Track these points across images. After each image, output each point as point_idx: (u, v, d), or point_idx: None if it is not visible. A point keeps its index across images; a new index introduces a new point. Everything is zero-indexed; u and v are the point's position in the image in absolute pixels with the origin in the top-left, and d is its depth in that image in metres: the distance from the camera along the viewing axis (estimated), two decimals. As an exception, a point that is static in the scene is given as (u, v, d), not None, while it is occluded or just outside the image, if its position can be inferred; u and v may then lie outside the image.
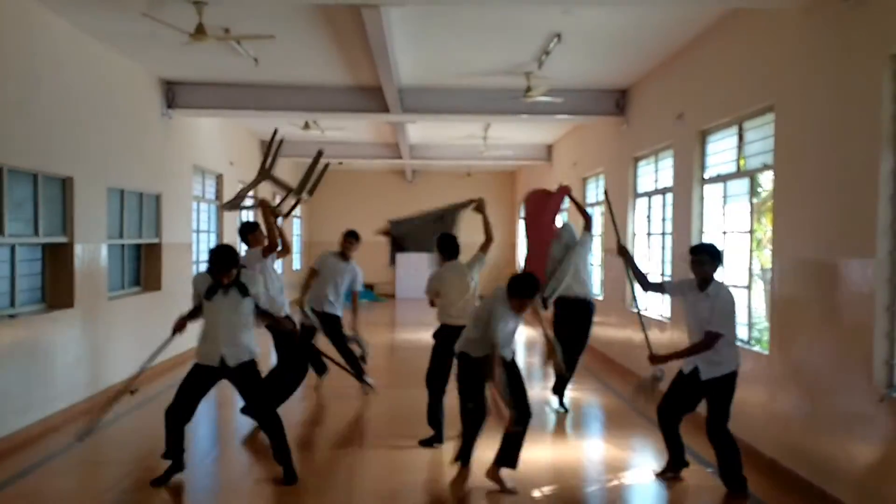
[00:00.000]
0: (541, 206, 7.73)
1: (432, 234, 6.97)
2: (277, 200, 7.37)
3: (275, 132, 7.15)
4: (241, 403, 7.08)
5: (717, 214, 7.43)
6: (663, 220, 9.08)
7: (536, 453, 6.17)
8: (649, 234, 9.74)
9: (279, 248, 6.64)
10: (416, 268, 20.70)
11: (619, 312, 10.27)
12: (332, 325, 8.00)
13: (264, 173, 7.00)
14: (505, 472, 5.46)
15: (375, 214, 22.09)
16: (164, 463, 5.50)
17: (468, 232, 9.03)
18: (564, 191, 7.77)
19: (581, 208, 8.26)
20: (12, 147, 6.53)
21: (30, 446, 6.37)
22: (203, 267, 5.39)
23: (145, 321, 8.80)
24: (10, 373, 6.39)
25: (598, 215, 12.30)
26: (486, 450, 5.71)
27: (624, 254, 6.17)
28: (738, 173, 6.94)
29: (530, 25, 7.44)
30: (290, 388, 6.93)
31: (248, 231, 7.10)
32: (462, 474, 5.68)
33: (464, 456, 5.77)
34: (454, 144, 16.44)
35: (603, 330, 10.55)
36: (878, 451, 4.65)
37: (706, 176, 7.69)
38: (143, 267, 9.88)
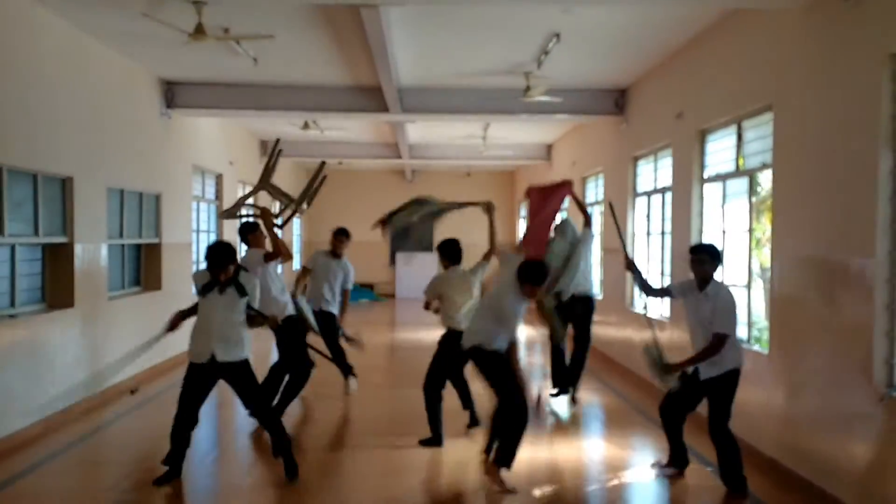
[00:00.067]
0: (543, 199, 7.70)
1: (429, 228, 6.99)
2: (275, 207, 7.37)
3: (276, 142, 7.17)
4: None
5: (716, 214, 7.43)
6: (663, 219, 9.08)
7: (536, 452, 6.18)
8: (649, 234, 9.74)
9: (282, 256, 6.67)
10: (417, 268, 20.77)
11: (619, 312, 10.28)
12: (328, 322, 8.02)
13: (264, 183, 7.01)
14: (505, 472, 5.46)
15: (375, 214, 22.03)
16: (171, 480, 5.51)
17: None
18: (567, 186, 7.73)
19: (581, 205, 8.28)
20: (12, 147, 6.53)
21: (30, 446, 6.37)
22: (203, 265, 5.42)
23: (145, 321, 8.78)
24: (10, 373, 6.38)
25: (597, 214, 12.30)
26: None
27: (631, 267, 6.18)
28: (738, 172, 6.94)
29: (529, 25, 7.44)
30: (295, 388, 6.90)
31: (247, 231, 7.10)
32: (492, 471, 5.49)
33: (507, 458, 5.43)
34: (454, 144, 16.45)
35: (603, 329, 10.55)
36: (879, 451, 4.65)
37: (705, 175, 7.69)
38: (143, 267, 9.88)
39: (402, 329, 15.18)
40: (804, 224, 5.54)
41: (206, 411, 7.39)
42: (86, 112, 7.86)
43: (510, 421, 5.43)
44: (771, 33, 6.16)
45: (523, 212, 18.56)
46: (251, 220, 7.22)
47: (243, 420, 6.91)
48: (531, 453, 6.14)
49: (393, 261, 21.65)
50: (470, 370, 6.51)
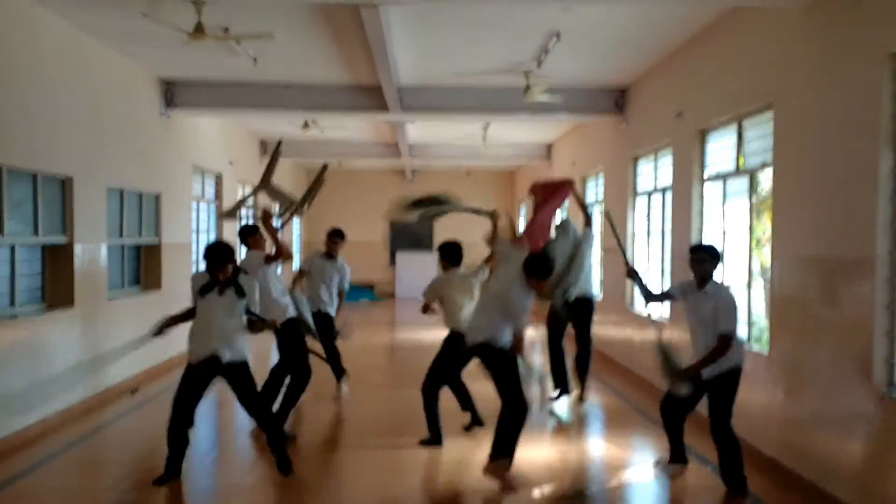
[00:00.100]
0: (547, 196, 7.68)
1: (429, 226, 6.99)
2: (274, 207, 7.36)
3: (278, 144, 7.16)
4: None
5: (716, 213, 7.43)
6: (663, 218, 9.08)
7: (537, 452, 6.17)
8: (649, 233, 9.74)
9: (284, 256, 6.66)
10: (417, 268, 20.76)
11: (619, 312, 10.28)
12: (325, 323, 8.02)
13: (264, 183, 7.00)
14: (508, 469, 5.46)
15: (375, 214, 22.15)
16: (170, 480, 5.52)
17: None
18: (569, 185, 7.72)
19: (582, 205, 8.28)
20: (12, 147, 6.53)
21: (30, 446, 6.37)
22: (203, 266, 5.43)
23: (145, 321, 8.66)
24: (10, 373, 6.38)
25: (597, 213, 12.29)
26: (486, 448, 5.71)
27: (632, 275, 6.17)
28: (738, 172, 6.94)
29: (529, 24, 7.43)
30: (297, 391, 6.86)
31: (248, 234, 7.08)
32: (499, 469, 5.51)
33: (508, 453, 5.51)
34: (453, 144, 16.44)
35: (603, 329, 10.55)
36: (879, 450, 4.65)
37: (706, 174, 7.69)
38: (142, 267, 9.88)
39: (402, 329, 15.18)
40: (804, 223, 5.54)
41: (206, 411, 7.42)
42: (85, 112, 7.86)
43: (510, 416, 5.44)
44: (771, 32, 6.16)
45: (523, 211, 18.56)
46: (251, 222, 7.23)
47: (243, 419, 6.90)
48: (531, 453, 6.14)
49: (393, 261, 21.65)
50: (469, 371, 6.54)
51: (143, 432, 7.00)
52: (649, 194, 9.69)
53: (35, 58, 6.88)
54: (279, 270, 7.01)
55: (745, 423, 5.80)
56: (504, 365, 5.53)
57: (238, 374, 5.38)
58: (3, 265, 6.76)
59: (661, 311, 8.67)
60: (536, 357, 11.10)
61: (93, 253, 8.00)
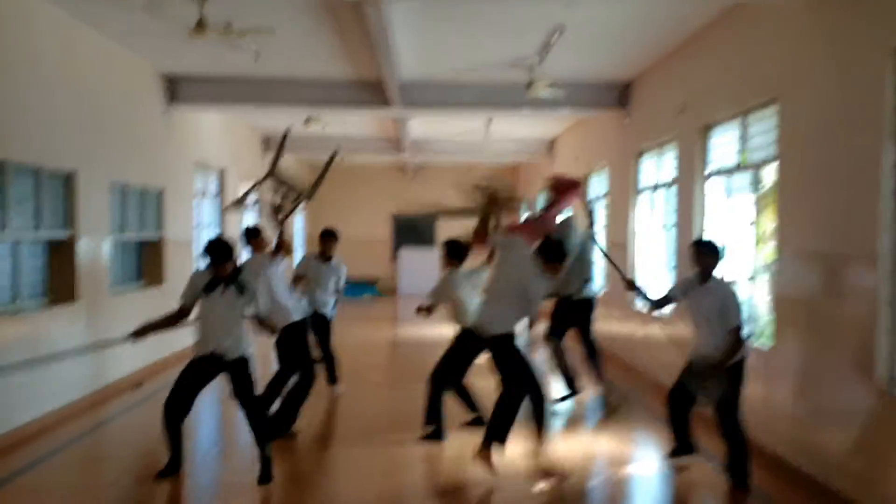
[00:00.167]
0: (562, 192, 7.65)
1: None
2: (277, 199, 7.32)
3: (286, 132, 7.12)
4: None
5: (720, 208, 7.41)
6: (666, 213, 9.06)
7: (539, 447, 6.15)
8: (652, 229, 9.72)
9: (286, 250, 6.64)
10: (419, 263, 20.77)
11: (621, 307, 10.26)
12: (323, 325, 8.00)
13: (271, 172, 6.97)
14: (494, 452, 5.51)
15: (377, 209, 22.22)
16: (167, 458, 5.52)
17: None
18: (578, 187, 7.70)
19: (586, 206, 8.26)
20: (14, 142, 6.53)
21: (32, 442, 6.38)
22: (203, 265, 5.43)
23: (148, 316, 8.74)
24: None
25: (600, 208, 12.26)
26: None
27: (632, 288, 6.17)
28: (742, 167, 6.92)
29: (532, 18, 7.41)
30: (303, 393, 6.82)
31: (251, 236, 7.06)
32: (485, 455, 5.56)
33: (500, 438, 5.60)
34: (456, 139, 16.42)
35: (606, 325, 10.54)
36: (882, 446, 4.64)
37: (709, 170, 7.67)
38: (145, 262, 9.88)
39: (404, 325, 15.18)
40: (808, 218, 5.52)
41: (209, 406, 7.43)
42: (88, 107, 7.85)
43: (507, 398, 5.51)
44: (775, 27, 6.13)
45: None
46: (257, 213, 7.20)
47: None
48: (533, 447, 6.14)
49: (395, 256, 21.65)
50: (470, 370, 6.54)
51: (145, 428, 7.00)
52: (653, 189, 9.67)
53: (37, 53, 6.88)
54: (282, 268, 6.97)
55: (749, 418, 5.77)
56: (517, 358, 5.58)
57: (237, 371, 5.36)
58: (5, 260, 6.77)
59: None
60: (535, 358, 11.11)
61: (95, 248, 8.00)
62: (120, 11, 7.18)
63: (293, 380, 6.83)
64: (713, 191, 7.60)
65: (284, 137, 7.03)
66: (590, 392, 8.02)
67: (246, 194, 7.59)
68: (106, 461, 6.25)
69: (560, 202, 7.19)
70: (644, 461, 6.12)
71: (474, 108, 10.67)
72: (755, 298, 6.55)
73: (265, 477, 5.36)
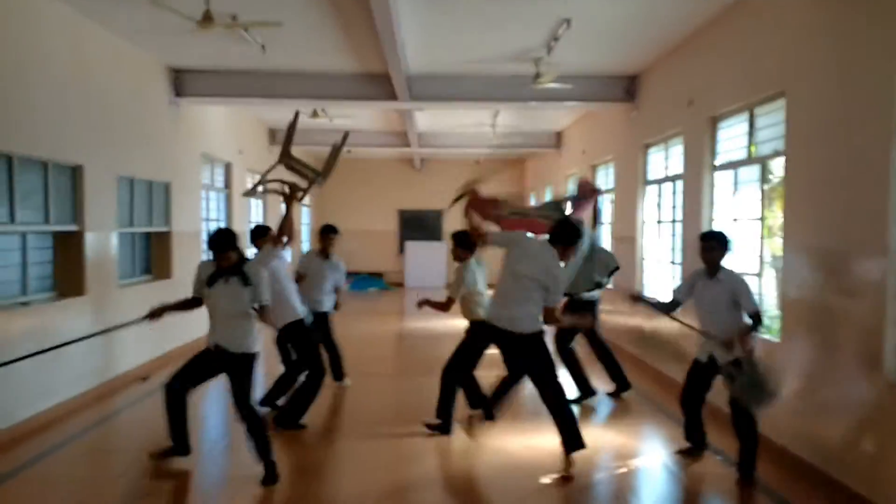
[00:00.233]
0: (585, 197, 7.69)
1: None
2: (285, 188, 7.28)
3: (296, 114, 7.08)
4: (257, 394, 7.12)
5: (727, 201, 7.38)
6: (673, 207, 9.04)
7: (545, 440, 6.17)
8: (659, 222, 9.69)
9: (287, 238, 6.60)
10: (426, 257, 20.79)
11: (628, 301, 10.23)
12: (322, 322, 7.97)
13: (284, 156, 6.93)
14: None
15: (384, 203, 22.22)
16: (148, 454, 5.59)
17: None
18: (598, 194, 7.76)
19: (595, 211, 8.23)
20: (22, 136, 6.55)
21: (41, 434, 6.42)
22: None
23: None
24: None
25: (607, 202, 12.24)
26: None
27: (638, 301, 6.14)
28: (749, 160, 6.88)
29: (539, 11, 7.38)
30: (312, 391, 6.82)
31: (258, 235, 7.04)
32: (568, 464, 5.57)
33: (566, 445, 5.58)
34: (463, 132, 16.39)
35: (612, 318, 10.53)
36: (888, 439, 4.63)
37: (716, 163, 7.64)
38: (153, 255, 9.92)
39: (411, 318, 15.19)
40: (816, 212, 5.50)
41: (217, 399, 7.45)
42: (95, 101, 7.87)
43: (557, 402, 5.52)
44: (782, 19, 6.09)
45: (533, 201, 18.49)
46: (262, 224, 7.17)
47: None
48: (540, 440, 6.15)
49: (402, 250, 21.66)
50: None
51: (153, 420, 7.01)
52: (660, 183, 9.64)
53: (44, 48, 6.89)
54: (286, 263, 6.95)
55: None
56: (545, 352, 5.55)
57: (236, 365, 5.30)
58: (14, 253, 6.80)
59: (659, 294, 8.63)
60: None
61: (103, 241, 8.03)
62: (126, 5, 7.18)
63: (300, 377, 6.86)
64: (720, 184, 7.57)
65: (295, 120, 7.00)
66: (602, 389, 8.02)
67: (260, 181, 7.55)
68: (113, 454, 6.28)
69: (582, 205, 7.26)
70: (651, 455, 6.11)
71: (481, 100, 10.65)
72: (762, 292, 6.53)
73: (269, 478, 5.31)
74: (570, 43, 8.29)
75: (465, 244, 6.62)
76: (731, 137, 7.33)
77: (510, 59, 9.18)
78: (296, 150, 6.71)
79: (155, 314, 5.37)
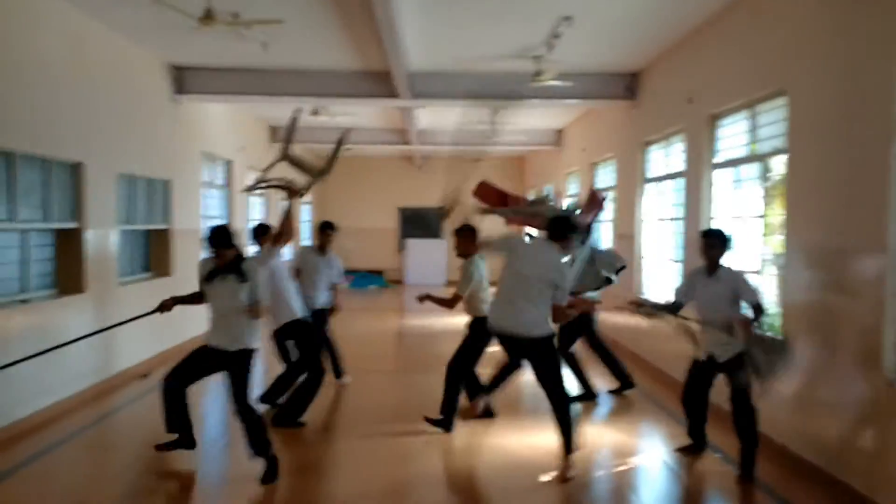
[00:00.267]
0: (594, 206, 7.75)
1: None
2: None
3: (297, 112, 7.06)
4: (259, 390, 7.13)
5: (728, 199, 7.38)
6: (674, 205, 9.03)
7: (544, 438, 6.17)
8: (660, 220, 9.69)
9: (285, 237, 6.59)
10: (426, 255, 20.78)
11: (628, 298, 10.23)
12: (318, 319, 7.93)
13: (284, 154, 6.92)
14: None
15: (384, 200, 22.21)
16: (176, 449, 5.57)
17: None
18: (600, 203, 7.86)
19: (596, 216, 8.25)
20: (23, 133, 6.55)
21: (41, 431, 6.43)
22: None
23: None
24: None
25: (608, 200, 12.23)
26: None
27: (641, 306, 6.11)
28: (750, 158, 6.88)
29: (540, 8, 7.37)
30: (313, 388, 6.82)
31: (260, 233, 7.04)
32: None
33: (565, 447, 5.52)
34: (463, 130, 16.37)
35: (611, 316, 10.53)
36: (887, 437, 4.63)
37: (717, 160, 7.63)
38: (153, 253, 9.92)
39: (411, 316, 15.19)
40: (816, 210, 5.49)
41: (216, 396, 7.45)
42: (95, 98, 7.87)
43: (560, 409, 5.48)
44: (784, 16, 6.08)
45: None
46: (264, 223, 7.16)
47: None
48: (540, 439, 6.15)
49: (402, 247, 21.66)
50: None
51: (153, 417, 7.01)
52: (660, 180, 9.64)
53: (44, 45, 6.89)
54: (286, 262, 6.94)
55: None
56: (554, 355, 5.55)
57: (234, 361, 5.29)
58: (14, 250, 6.81)
59: (657, 292, 8.62)
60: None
61: (103, 239, 8.03)
62: (127, 3, 7.18)
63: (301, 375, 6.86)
64: (721, 182, 7.57)
65: (295, 119, 6.99)
66: (604, 387, 8.02)
67: (261, 179, 7.53)
68: (115, 450, 6.29)
69: (591, 212, 7.31)
70: (651, 452, 6.11)
71: (482, 98, 10.62)
72: (762, 290, 6.52)
73: (269, 476, 5.30)
74: (571, 40, 8.28)
75: (469, 237, 6.60)
76: (732, 135, 7.33)
77: (511, 56, 9.18)
78: (297, 148, 6.70)
79: (165, 306, 5.40)
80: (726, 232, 5.56)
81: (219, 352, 5.29)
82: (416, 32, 8.20)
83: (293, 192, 6.36)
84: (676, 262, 8.80)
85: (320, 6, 7.36)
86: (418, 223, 22.08)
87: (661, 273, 9.55)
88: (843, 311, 5.12)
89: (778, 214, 6.33)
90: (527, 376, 8.32)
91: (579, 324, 7.67)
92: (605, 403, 7.69)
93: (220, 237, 5.21)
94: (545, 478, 5.42)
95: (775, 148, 6.34)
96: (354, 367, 8.68)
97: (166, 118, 9.99)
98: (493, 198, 7.49)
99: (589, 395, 7.68)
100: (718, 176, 7.61)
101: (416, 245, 21.09)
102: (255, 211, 14.89)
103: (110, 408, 7.39)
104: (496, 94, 10.43)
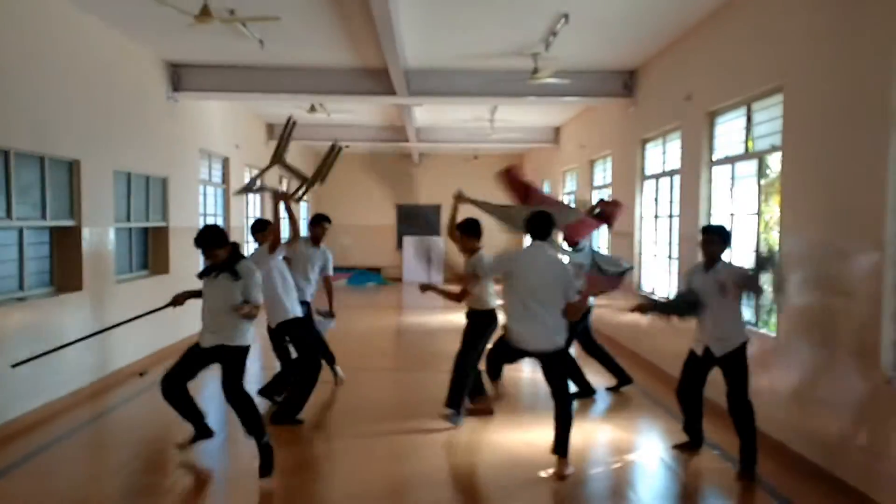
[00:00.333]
0: (608, 216, 7.73)
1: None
2: (284, 185, 7.32)
3: (289, 119, 7.08)
4: (256, 386, 7.13)
5: (724, 196, 7.38)
6: (671, 202, 9.04)
7: (543, 435, 6.18)
8: (657, 217, 9.70)
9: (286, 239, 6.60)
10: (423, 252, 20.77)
11: (626, 295, 10.25)
12: (308, 310, 7.88)
13: (276, 159, 6.94)
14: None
15: (382, 197, 22.20)
16: (176, 446, 5.62)
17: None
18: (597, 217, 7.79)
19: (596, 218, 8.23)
20: (19, 130, 6.54)
21: (39, 429, 6.42)
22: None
23: (153, 305, 8.78)
24: (20, 355, 6.40)
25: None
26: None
27: (646, 308, 6.02)
28: (747, 155, 6.89)
29: (537, 5, 7.37)
30: (309, 384, 6.81)
31: (258, 229, 7.02)
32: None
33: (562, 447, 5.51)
34: (461, 127, 16.38)
35: (610, 313, 10.55)
36: (885, 433, 4.64)
37: (714, 157, 7.64)
38: (150, 250, 9.91)
39: (409, 313, 15.20)
40: (813, 206, 5.50)
41: (215, 393, 7.44)
42: (92, 95, 7.85)
43: (562, 410, 5.48)
44: (780, 14, 6.08)
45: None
46: (262, 207, 7.16)
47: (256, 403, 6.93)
48: (538, 435, 6.16)
49: (400, 244, 21.66)
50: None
51: (151, 415, 7.03)
52: (657, 178, 9.64)
53: (41, 41, 6.87)
54: (282, 263, 6.92)
55: (754, 406, 5.79)
56: (566, 364, 5.57)
57: (228, 357, 5.29)
58: (11, 248, 6.80)
59: (658, 286, 8.64)
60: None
61: (100, 236, 8.02)
62: (124, 0, 7.18)
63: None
64: (718, 179, 7.57)
65: (288, 127, 7.00)
66: (601, 385, 8.03)
67: (253, 181, 7.55)
68: (113, 448, 6.28)
69: (602, 223, 7.43)
70: (649, 449, 6.12)
71: (479, 95, 10.63)
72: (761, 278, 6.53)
73: (266, 468, 5.27)
74: (569, 38, 8.28)
75: (474, 232, 6.51)
76: (729, 132, 7.33)
77: (508, 54, 9.17)
78: (294, 146, 6.70)
79: (178, 301, 5.51)
80: (727, 229, 5.58)
81: (211, 349, 5.30)
82: (413, 30, 8.19)
83: (286, 197, 6.39)
84: (673, 258, 8.81)
85: (317, 3, 7.35)
86: (416, 220, 22.08)
87: (658, 270, 9.56)
88: (840, 307, 5.13)
89: (774, 211, 6.34)
90: (526, 375, 8.39)
91: (574, 326, 7.67)
92: (602, 400, 7.70)
93: (207, 238, 5.23)
94: (543, 475, 5.42)
95: (772, 145, 6.35)
96: (352, 364, 8.67)
97: (163, 115, 9.97)
98: (517, 186, 7.40)
99: (586, 392, 7.68)
100: (715, 173, 7.62)
101: (414, 242, 21.10)
102: (253, 208, 14.86)
103: (107, 406, 7.38)
104: (494, 91, 10.43)
